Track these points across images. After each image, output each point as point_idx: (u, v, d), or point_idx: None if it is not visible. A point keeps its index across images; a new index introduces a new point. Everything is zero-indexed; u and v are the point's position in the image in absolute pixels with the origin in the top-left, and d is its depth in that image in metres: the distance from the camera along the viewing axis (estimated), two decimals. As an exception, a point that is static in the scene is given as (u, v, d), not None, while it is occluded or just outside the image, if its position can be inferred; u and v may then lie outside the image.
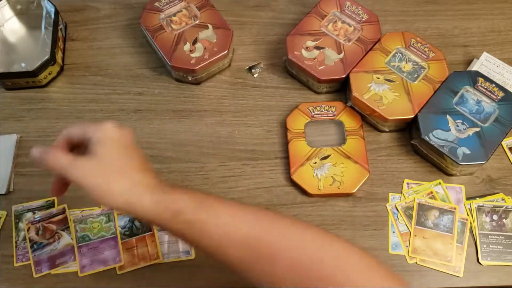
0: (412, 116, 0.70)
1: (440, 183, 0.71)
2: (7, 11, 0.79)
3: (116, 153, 0.47)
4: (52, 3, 0.79)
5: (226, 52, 0.76)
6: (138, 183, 0.46)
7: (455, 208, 0.69)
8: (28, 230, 0.68)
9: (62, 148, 0.49)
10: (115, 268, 0.66)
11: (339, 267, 0.44)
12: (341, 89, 0.78)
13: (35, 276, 0.66)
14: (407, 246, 0.67)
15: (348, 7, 0.79)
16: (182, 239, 0.48)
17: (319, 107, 0.75)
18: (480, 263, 0.66)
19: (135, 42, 0.83)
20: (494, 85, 0.71)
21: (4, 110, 0.77)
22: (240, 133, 0.75)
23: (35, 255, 0.67)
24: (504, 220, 0.69)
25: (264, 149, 0.74)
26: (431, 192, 0.71)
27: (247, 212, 0.48)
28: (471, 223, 0.69)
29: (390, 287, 0.44)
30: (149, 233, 0.68)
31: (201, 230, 0.46)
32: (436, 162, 0.71)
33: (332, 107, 0.75)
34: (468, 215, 0.69)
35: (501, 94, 0.71)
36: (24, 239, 0.68)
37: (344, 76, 0.74)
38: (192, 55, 0.75)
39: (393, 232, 0.69)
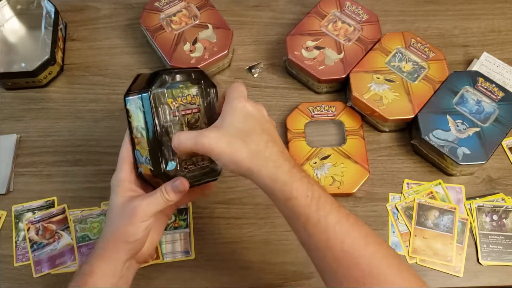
0: (412, 116, 0.70)
1: (440, 183, 0.71)
2: (7, 11, 0.79)
3: (241, 123, 0.49)
4: (52, 3, 0.79)
5: (226, 52, 0.76)
6: (259, 155, 0.47)
7: (455, 208, 0.69)
8: (28, 230, 0.68)
9: None
10: (115, 268, 0.66)
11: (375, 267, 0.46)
12: (341, 89, 0.78)
13: (35, 276, 0.66)
14: (407, 246, 0.67)
15: (348, 7, 0.79)
16: (286, 219, 0.49)
17: (319, 107, 0.75)
18: (480, 263, 0.66)
19: (135, 42, 0.83)
20: (494, 85, 0.71)
21: (4, 110, 0.77)
22: (240, 133, 0.75)
23: (35, 255, 0.67)
24: (504, 220, 0.69)
25: (264, 149, 0.74)
26: (431, 192, 0.71)
27: (354, 232, 0.48)
28: (471, 223, 0.69)
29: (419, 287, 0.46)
30: (149, 233, 0.68)
31: (304, 223, 0.47)
32: (436, 162, 0.71)
33: (332, 107, 0.75)
34: (468, 215, 0.69)
35: (501, 94, 0.71)
36: (24, 239, 0.68)
37: (344, 76, 0.74)
38: (192, 55, 0.75)
39: (393, 232, 0.69)
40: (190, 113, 0.55)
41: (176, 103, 0.54)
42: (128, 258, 0.52)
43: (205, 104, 0.57)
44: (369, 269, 0.45)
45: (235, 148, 0.47)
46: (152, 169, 0.52)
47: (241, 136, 0.48)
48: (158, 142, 0.52)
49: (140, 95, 0.52)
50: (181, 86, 0.55)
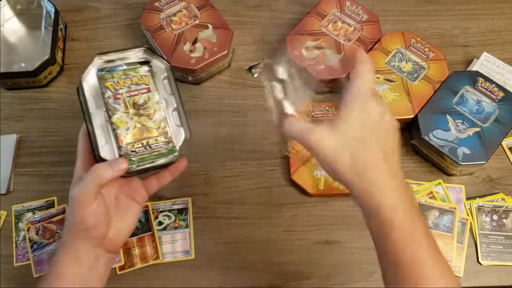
0: (412, 116, 0.70)
1: (440, 183, 0.71)
2: (7, 11, 0.79)
3: (361, 128, 0.44)
4: (52, 3, 0.79)
5: (226, 52, 0.76)
6: (365, 173, 0.43)
7: (455, 208, 0.69)
8: (28, 230, 0.68)
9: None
10: (115, 268, 0.66)
11: None
12: (341, 89, 0.78)
13: (35, 276, 0.66)
14: (407, 246, 0.67)
15: (348, 7, 0.79)
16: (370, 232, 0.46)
17: (319, 107, 0.75)
18: (480, 263, 0.66)
19: (135, 42, 0.83)
20: (494, 85, 0.71)
21: (4, 110, 0.77)
22: (240, 133, 0.75)
23: (35, 255, 0.67)
24: (504, 220, 0.69)
25: (264, 149, 0.74)
26: (431, 192, 0.71)
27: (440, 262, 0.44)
28: (471, 223, 0.69)
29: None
30: (149, 233, 0.68)
31: (395, 265, 0.43)
32: (436, 162, 0.71)
33: (332, 107, 0.75)
34: (468, 215, 0.69)
35: (501, 94, 0.71)
36: (24, 239, 0.68)
37: (344, 76, 0.74)
38: (192, 55, 0.75)
39: (393, 232, 0.68)
40: (137, 94, 0.54)
41: (117, 85, 0.54)
42: (91, 247, 0.52)
43: (157, 83, 0.55)
44: None
45: (339, 157, 0.43)
46: (95, 154, 0.52)
47: (354, 144, 0.44)
48: (93, 128, 0.52)
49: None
50: (126, 68, 0.54)
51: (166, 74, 0.56)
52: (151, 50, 0.56)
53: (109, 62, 0.54)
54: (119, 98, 0.53)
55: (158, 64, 0.56)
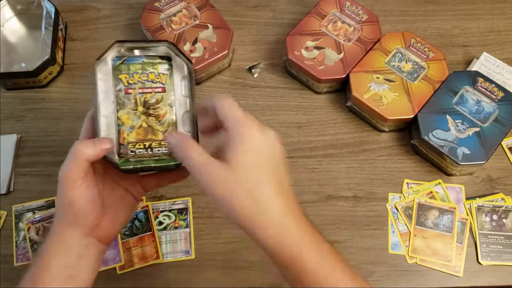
0: (412, 116, 0.70)
1: (440, 183, 0.71)
2: (7, 11, 0.79)
3: (252, 164, 0.41)
4: (52, 3, 0.79)
5: (226, 52, 0.76)
6: (264, 212, 0.41)
7: (455, 208, 0.69)
8: (28, 230, 0.68)
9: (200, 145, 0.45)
10: (115, 268, 0.67)
11: None
12: (341, 89, 0.78)
13: (35, 276, 0.66)
14: (407, 246, 0.67)
15: (348, 7, 0.79)
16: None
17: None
18: (480, 263, 0.66)
19: (135, 42, 0.83)
20: (494, 85, 0.71)
21: (4, 110, 0.78)
22: (240, 133, 0.75)
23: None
24: (504, 220, 0.69)
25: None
26: (431, 192, 0.71)
27: None
28: (471, 223, 0.69)
29: None
30: (149, 233, 0.68)
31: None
32: (436, 162, 0.71)
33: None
34: (468, 215, 0.69)
35: (500, 94, 0.71)
36: (24, 239, 0.68)
37: (344, 76, 0.74)
38: (192, 55, 0.75)
39: (393, 232, 0.69)
40: (150, 92, 0.50)
41: (132, 79, 0.50)
42: (81, 235, 0.49)
43: (175, 83, 0.51)
44: None
45: (235, 197, 0.41)
46: None
47: (248, 183, 0.41)
48: (98, 116, 0.49)
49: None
50: (145, 61, 0.50)
51: (186, 74, 0.51)
52: (176, 47, 0.51)
53: (129, 50, 0.50)
54: (130, 93, 0.50)
55: (180, 62, 0.51)
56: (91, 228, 0.49)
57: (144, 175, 0.55)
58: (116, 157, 0.49)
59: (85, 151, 0.47)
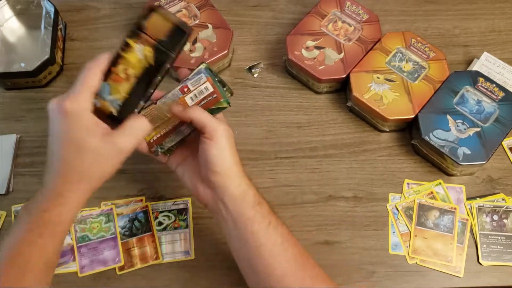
0: (413, 116, 0.70)
1: (440, 183, 0.71)
2: (7, 11, 0.79)
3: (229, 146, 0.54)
4: (52, 3, 0.79)
5: (226, 52, 0.76)
6: (238, 167, 0.54)
7: (455, 208, 0.69)
8: (27, 230, 0.68)
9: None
10: (114, 268, 0.66)
11: None
12: (341, 89, 0.78)
13: (34, 276, 0.66)
14: (407, 247, 0.67)
15: (348, 7, 0.79)
16: (242, 228, 0.53)
17: None
18: (480, 264, 0.66)
19: (135, 42, 0.83)
20: (494, 85, 0.71)
21: (4, 110, 0.77)
22: (240, 133, 0.75)
23: (34, 255, 0.67)
24: (504, 220, 0.69)
25: (264, 149, 0.74)
26: (432, 192, 0.71)
27: (298, 243, 0.55)
28: (471, 223, 0.68)
29: None
30: (149, 233, 0.68)
31: (267, 225, 0.52)
32: (436, 162, 0.71)
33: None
34: (468, 215, 0.69)
35: (501, 94, 0.71)
36: (24, 239, 0.68)
37: (344, 76, 0.74)
38: (192, 55, 0.75)
39: (394, 232, 0.68)
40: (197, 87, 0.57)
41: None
42: (87, 193, 0.51)
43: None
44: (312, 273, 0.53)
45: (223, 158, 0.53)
46: (116, 115, 0.51)
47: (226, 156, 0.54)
48: (145, 98, 0.51)
49: (159, 48, 0.51)
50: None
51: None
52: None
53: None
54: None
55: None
56: (99, 182, 0.52)
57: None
58: (160, 150, 0.58)
59: (94, 70, 0.51)
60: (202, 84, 0.56)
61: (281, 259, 0.52)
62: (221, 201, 0.53)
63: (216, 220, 0.56)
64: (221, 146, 0.52)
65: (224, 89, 0.57)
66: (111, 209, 0.69)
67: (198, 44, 0.76)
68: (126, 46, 0.51)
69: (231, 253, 0.56)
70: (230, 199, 0.53)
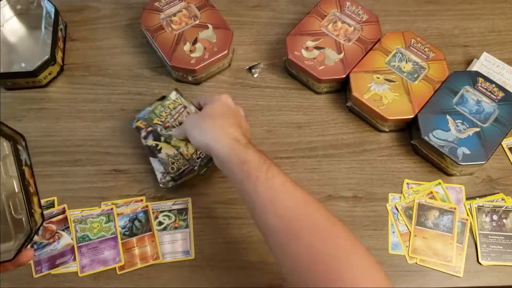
0: (412, 116, 0.70)
1: (440, 183, 0.71)
2: (7, 11, 0.79)
3: (218, 109, 0.61)
4: (52, 3, 0.79)
5: (226, 52, 0.76)
6: (221, 130, 0.58)
7: (455, 208, 0.69)
8: (28, 230, 0.68)
9: None
10: (115, 268, 0.66)
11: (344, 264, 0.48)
12: (341, 89, 0.78)
13: (35, 276, 0.66)
14: (407, 246, 0.67)
15: (348, 7, 0.79)
16: (238, 183, 0.54)
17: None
18: (480, 263, 0.66)
19: (135, 42, 0.83)
20: (494, 85, 0.71)
21: (4, 110, 0.77)
22: (240, 133, 0.75)
23: (35, 255, 0.67)
24: (504, 220, 0.69)
25: (264, 149, 0.74)
26: (431, 192, 0.71)
27: (297, 193, 0.53)
28: (471, 223, 0.69)
29: None
30: (149, 233, 0.68)
31: (255, 183, 0.52)
32: (436, 162, 0.71)
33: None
34: (468, 215, 0.69)
35: (501, 94, 0.71)
36: (24, 239, 0.68)
37: (344, 76, 0.74)
38: (192, 55, 0.75)
39: (393, 232, 0.69)
40: (178, 115, 0.68)
41: (161, 118, 0.67)
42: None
43: (188, 101, 0.69)
44: (307, 223, 0.50)
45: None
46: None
47: (212, 116, 0.60)
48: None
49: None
50: (158, 104, 0.69)
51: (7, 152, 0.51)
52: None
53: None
54: (169, 125, 0.67)
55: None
56: None
57: None
58: (196, 168, 0.68)
59: None
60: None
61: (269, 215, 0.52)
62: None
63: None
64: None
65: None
66: (112, 209, 0.70)
67: (198, 44, 0.76)
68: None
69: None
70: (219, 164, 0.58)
